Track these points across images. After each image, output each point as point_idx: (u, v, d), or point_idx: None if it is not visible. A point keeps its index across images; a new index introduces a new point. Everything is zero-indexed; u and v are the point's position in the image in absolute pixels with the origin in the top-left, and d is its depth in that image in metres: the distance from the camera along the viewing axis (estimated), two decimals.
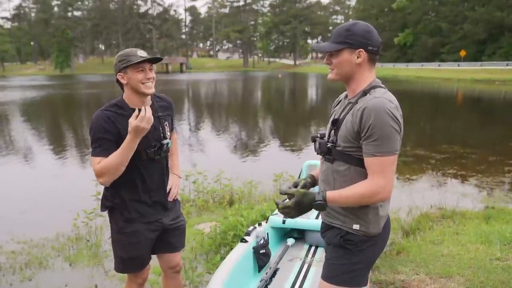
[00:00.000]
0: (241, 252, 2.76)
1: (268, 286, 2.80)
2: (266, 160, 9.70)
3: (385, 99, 1.68)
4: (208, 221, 5.02)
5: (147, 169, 2.21)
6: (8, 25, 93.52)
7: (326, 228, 1.93)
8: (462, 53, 48.26)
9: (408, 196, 6.17)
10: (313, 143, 1.89)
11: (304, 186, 1.93)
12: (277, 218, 3.35)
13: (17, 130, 14.73)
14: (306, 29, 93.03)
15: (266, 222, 3.37)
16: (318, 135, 1.87)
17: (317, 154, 1.89)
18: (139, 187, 2.21)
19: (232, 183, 6.26)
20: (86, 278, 3.88)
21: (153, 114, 2.16)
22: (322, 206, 1.70)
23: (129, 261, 2.30)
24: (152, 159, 2.21)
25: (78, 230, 4.93)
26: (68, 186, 7.34)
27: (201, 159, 9.61)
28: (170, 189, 2.41)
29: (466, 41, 51.95)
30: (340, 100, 1.92)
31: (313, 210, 3.72)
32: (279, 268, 3.02)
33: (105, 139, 2.08)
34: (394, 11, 65.03)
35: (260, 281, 2.69)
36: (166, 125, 2.30)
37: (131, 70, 2.10)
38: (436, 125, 14.75)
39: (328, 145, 1.79)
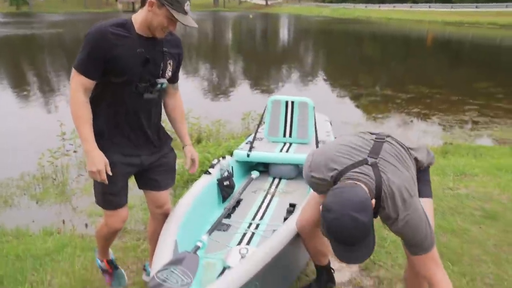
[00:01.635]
0: (205, 184, 2.82)
1: (232, 215, 2.90)
2: (236, 100, 9.69)
3: None
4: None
5: (133, 103, 2.03)
6: None
7: None
8: None
9: None
10: None
11: None
12: (242, 152, 3.41)
13: None
14: None
15: (232, 156, 3.43)
16: None
17: None
18: (121, 119, 2.04)
19: (200, 122, 6.27)
20: (53, 215, 3.91)
21: (157, 48, 2.01)
22: None
23: (105, 195, 2.12)
24: (140, 95, 2.01)
25: (43, 169, 4.88)
26: (32, 127, 7.15)
27: None
28: (192, 162, 2.31)
29: None
30: None
31: (277, 144, 3.79)
32: (242, 199, 3.11)
33: (92, 58, 1.89)
34: None
35: (224, 210, 2.78)
36: (169, 63, 2.08)
37: (165, 11, 1.89)
38: (405, 66, 14.94)
39: None
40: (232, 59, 17.25)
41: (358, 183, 1.60)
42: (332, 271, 2.45)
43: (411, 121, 7.64)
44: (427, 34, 29.29)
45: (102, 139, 2.03)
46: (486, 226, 3.19)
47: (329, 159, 1.74)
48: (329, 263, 2.41)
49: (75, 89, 1.91)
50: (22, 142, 6.19)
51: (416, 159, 1.84)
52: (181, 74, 2.29)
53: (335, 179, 1.70)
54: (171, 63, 2.09)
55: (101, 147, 2.01)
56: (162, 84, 2.06)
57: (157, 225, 2.33)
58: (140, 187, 2.31)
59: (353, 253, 1.51)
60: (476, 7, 41.02)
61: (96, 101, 2.00)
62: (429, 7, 46.88)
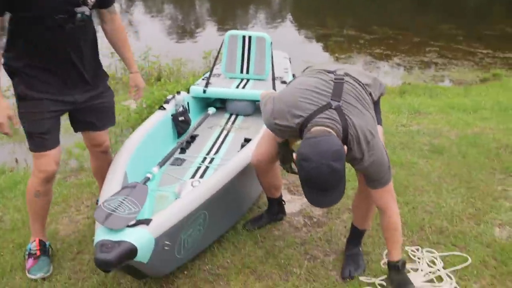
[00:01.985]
0: (159, 118, 2.79)
1: (186, 150, 2.91)
2: (199, 39, 9.40)
3: None
4: None
5: (55, 38, 1.83)
6: None
7: None
8: None
9: None
10: None
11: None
12: (198, 88, 3.36)
13: None
14: None
15: (188, 93, 3.38)
16: None
17: None
18: (47, 57, 1.87)
19: (160, 61, 6.10)
20: (6, 154, 3.81)
21: None
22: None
23: (32, 136, 1.93)
24: (61, 28, 1.81)
25: None
26: None
27: (130, 38, 9.10)
28: (136, 91, 2.24)
29: None
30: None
31: (234, 80, 3.75)
32: (198, 135, 3.11)
33: None
34: None
35: (177, 144, 2.78)
36: None
37: None
38: (371, 7, 14.77)
39: None
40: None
41: (330, 130, 1.64)
42: (283, 202, 2.54)
43: (373, 62, 7.70)
44: None
45: (28, 77, 1.87)
46: (432, 160, 3.35)
47: (293, 105, 1.74)
48: (281, 195, 2.50)
49: None
50: None
51: (370, 94, 1.88)
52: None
53: (302, 126, 1.72)
54: None
55: (28, 84, 1.86)
56: (82, 13, 1.85)
57: (98, 161, 2.31)
58: (76, 130, 2.18)
59: (326, 197, 1.59)
60: None
61: (14, 38, 1.83)
62: None
